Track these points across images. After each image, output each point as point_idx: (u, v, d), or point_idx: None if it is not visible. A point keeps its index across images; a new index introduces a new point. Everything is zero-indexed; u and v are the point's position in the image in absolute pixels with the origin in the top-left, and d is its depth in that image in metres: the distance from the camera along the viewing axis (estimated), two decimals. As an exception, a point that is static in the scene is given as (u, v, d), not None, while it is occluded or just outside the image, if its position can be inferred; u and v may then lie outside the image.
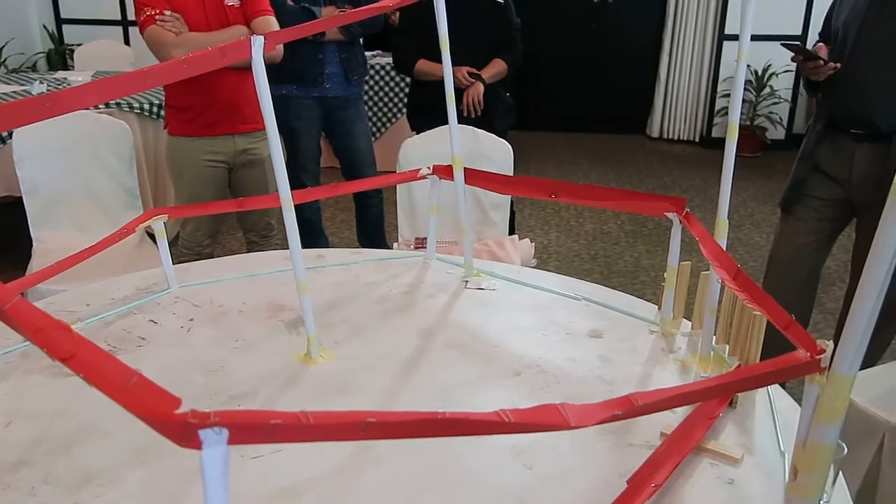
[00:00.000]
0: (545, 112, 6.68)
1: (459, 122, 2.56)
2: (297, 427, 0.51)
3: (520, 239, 2.38)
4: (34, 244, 2.47)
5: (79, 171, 2.53)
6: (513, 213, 3.08)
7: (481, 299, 1.48)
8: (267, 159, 2.49)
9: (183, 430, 0.47)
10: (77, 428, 1.05)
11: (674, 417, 1.07)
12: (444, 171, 1.59)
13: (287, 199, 1.19)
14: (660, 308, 1.38)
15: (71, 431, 1.04)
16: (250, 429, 0.49)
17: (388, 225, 3.31)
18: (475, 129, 2.41)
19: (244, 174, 2.45)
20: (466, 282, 1.54)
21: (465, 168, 1.53)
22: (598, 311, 1.43)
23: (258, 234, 2.57)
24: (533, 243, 2.38)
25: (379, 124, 4.91)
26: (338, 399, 1.13)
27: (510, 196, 2.41)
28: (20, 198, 2.48)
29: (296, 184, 3.03)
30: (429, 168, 1.61)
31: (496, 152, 2.36)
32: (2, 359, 1.23)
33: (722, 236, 1.11)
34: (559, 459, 1.00)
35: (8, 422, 1.06)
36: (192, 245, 2.37)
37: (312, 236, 3.09)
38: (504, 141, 2.38)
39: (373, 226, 3.19)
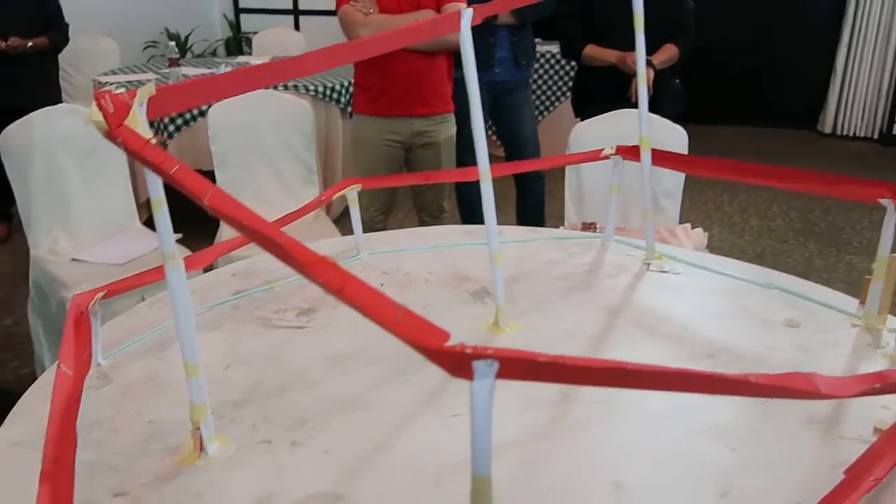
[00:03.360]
0: (705, 102, 6.41)
1: (626, 108, 2.52)
2: (561, 368, 0.52)
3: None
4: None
5: (263, 146, 2.70)
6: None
7: (665, 282, 1.45)
8: (442, 142, 2.55)
9: (458, 360, 0.50)
10: (288, 375, 1.13)
11: (887, 414, 1.01)
12: (628, 152, 1.57)
13: (486, 170, 1.22)
14: (862, 302, 1.30)
15: (283, 377, 1.12)
16: (519, 364, 0.51)
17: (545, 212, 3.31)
18: (651, 114, 2.35)
19: (420, 155, 2.53)
20: (648, 264, 1.52)
21: (652, 149, 1.50)
22: (791, 301, 1.37)
23: (430, 214, 2.64)
24: (706, 233, 2.30)
25: (537, 112, 4.92)
26: (528, 368, 1.14)
27: (682, 184, 2.34)
28: (207, 172, 2.67)
29: (459, 165, 3.09)
30: (612, 148, 1.60)
31: (670, 138, 2.30)
32: (216, 310, 1.33)
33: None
34: (763, 445, 0.97)
35: (227, 365, 1.15)
36: (364, 220, 2.47)
37: (474, 220, 3.14)
38: (679, 126, 2.31)
39: (533, 211, 3.20)
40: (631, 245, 1.63)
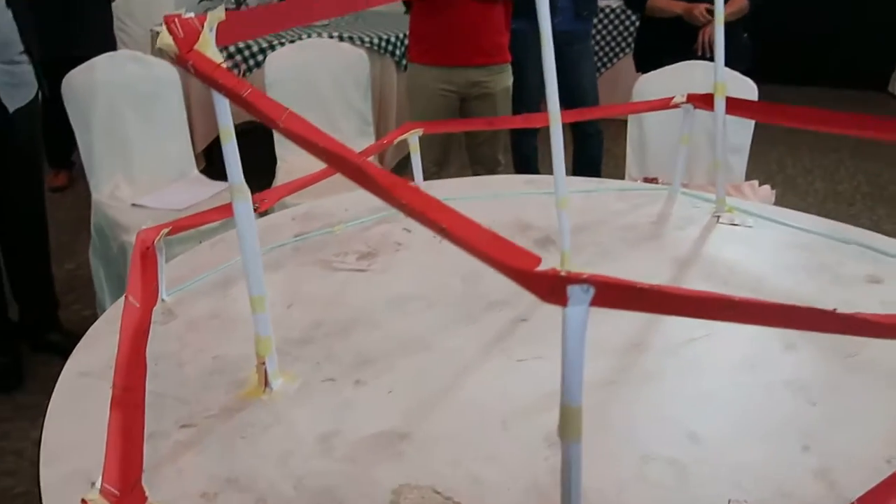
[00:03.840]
0: (772, 60, 6.16)
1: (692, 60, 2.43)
2: (661, 296, 0.49)
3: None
4: (278, 163, 2.65)
5: (319, 96, 2.67)
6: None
7: (736, 235, 1.40)
8: (499, 93, 2.50)
9: (553, 284, 0.47)
10: (350, 316, 1.11)
11: (981, 373, 0.96)
12: (700, 100, 1.51)
13: (555, 112, 1.17)
14: (949, 259, 1.23)
15: (345, 318, 1.11)
16: (617, 291, 0.48)
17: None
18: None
19: (475, 106, 2.48)
20: (718, 217, 1.46)
21: (728, 97, 1.43)
22: (872, 257, 1.30)
23: (486, 168, 2.59)
24: (774, 190, 2.22)
25: (598, 65, 4.79)
26: (596, 314, 1.10)
27: (750, 140, 2.25)
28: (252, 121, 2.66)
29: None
30: (682, 96, 1.53)
31: (740, 92, 2.21)
32: (276, 251, 1.32)
33: None
34: (846, 400, 0.93)
35: (289, 304, 1.15)
36: (418, 171, 2.44)
37: (530, 174, 3.09)
38: (749, 80, 2.22)
39: (590, 167, 3.12)
40: (698, 198, 1.57)
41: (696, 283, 1.20)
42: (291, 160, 2.63)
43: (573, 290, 0.47)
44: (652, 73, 2.33)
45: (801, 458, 0.83)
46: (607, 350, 1.03)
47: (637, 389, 0.96)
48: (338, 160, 0.62)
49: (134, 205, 2.32)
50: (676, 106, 1.53)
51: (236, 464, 0.82)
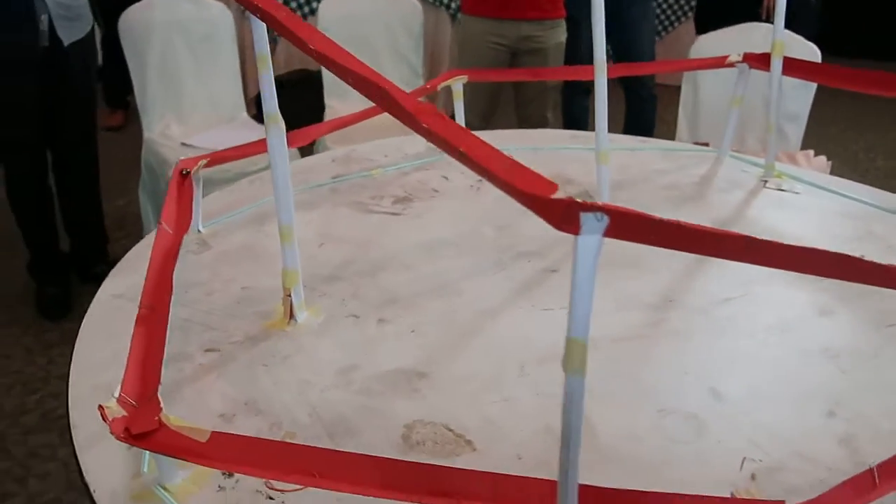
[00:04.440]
0: (842, 30, 5.85)
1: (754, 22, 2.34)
2: (676, 229, 0.47)
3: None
4: (325, 110, 2.66)
5: (371, 45, 2.66)
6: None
7: (783, 201, 1.35)
8: (550, 49, 2.44)
9: (565, 210, 0.46)
10: (381, 257, 1.11)
11: None
12: (757, 60, 1.45)
13: (601, 60, 1.15)
14: None
15: (375, 259, 1.11)
16: (630, 221, 0.46)
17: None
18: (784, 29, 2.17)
19: (526, 61, 2.43)
20: (766, 181, 1.41)
21: (784, 57, 1.38)
22: (925, 231, 1.25)
23: (533, 126, 2.55)
24: (830, 162, 2.14)
25: (659, 28, 4.65)
26: (626, 271, 1.09)
27: (808, 109, 2.16)
28: (314, 72, 2.66)
29: (567, 80, 2.97)
30: (738, 55, 1.48)
31: (802, 56, 2.12)
32: (314, 191, 1.33)
33: None
34: (879, 369, 0.90)
35: (321, 243, 1.15)
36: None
37: (578, 136, 3.03)
38: (812, 45, 2.12)
39: (643, 130, 3.05)
40: (747, 161, 1.52)
41: (735, 245, 1.17)
42: (339, 107, 2.63)
43: (586, 218, 0.45)
44: (710, 34, 2.25)
45: (825, 423, 0.81)
46: (640, 305, 1.01)
47: (664, 345, 0.94)
48: (365, 83, 0.61)
49: (183, 144, 2.35)
50: (731, 65, 1.48)
51: (255, 389, 0.84)
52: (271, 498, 0.70)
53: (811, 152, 2.11)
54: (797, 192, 1.38)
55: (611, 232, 0.46)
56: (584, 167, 1.43)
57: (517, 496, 0.59)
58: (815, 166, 2.05)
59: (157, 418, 0.64)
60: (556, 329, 0.97)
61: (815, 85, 2.11)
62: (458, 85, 1.48)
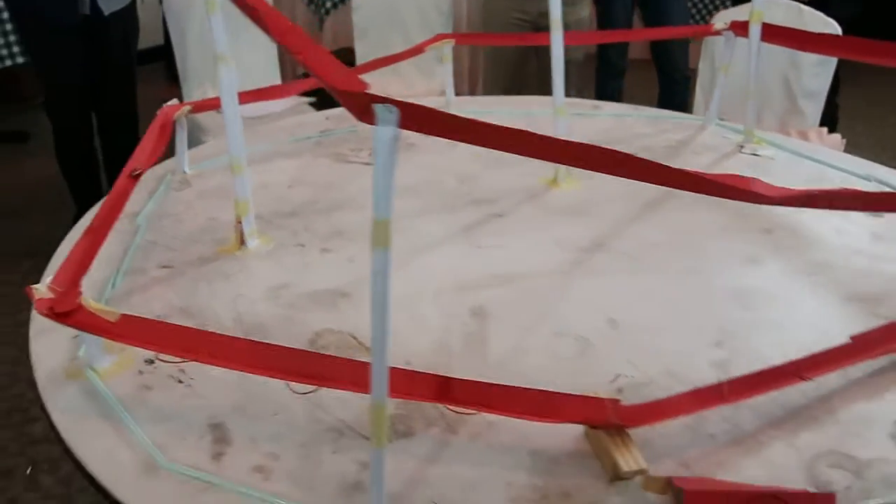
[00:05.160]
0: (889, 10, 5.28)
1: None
2: (464, 124, 0.54)
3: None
4: (358, 84, 2.75)
5: (402, 22, 2.73)
6: (835, 115, 2.73)
7: (754, 165, 1.37)
8: (571, 24, 2.46)
9: (360, 102, 0.53)
10: (341, 199, 1.20)
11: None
12: (742, 28, 1.46)
13: (556, 20, 1.19)
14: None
15: (336, 200, 1.19)
16: (419, 113, 0.53)
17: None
18: (802, 6, 2.15)
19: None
20: (742, 146, 1.43)
21: (763, 24, 1.39)
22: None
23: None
24: (844, 140, 2.11)
25: (697, 17, 4.56)
26: (570, 218, 1.14)
27: (827, 86, 2.13)
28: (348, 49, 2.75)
29: (601, 61, 2.98)
30: (725, 23, 1.50)
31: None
32: (301, 143, 1.42)
33: None
34: (786, 309, 0.93)
35: (290, 185, 1.24)
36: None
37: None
38: (834, 23, 2.09)
39: (675, 109, 3.02)
40: (733, 129, 1.54)
41: (688, 197, 1.20)
42: (370, 82, 2.73)
43: (379, 110, 0.52)
44: (731, 9, 2.23)
45: (707, 351, 0.85)
46: (572, 247, 1.07)
47: (579, 280, 0.99)
48: (246, 7, 0.69)
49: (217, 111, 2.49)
50: (717, 33, 1.50)
51: (193, 298, 0.93)
52: (181, 381, 0.79)
53: (824, 130, 2.09)
54: (772, 158, 1.39)
55: (405, 124, 0.53)
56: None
57: (352, 376, 0.66)
58: (828, 143, 2.03)
59: (77, 301, 0.74)
60: (483, 263, 1.04)
61: (834, 62, 2.08)
62: (447, 48, 1.54)
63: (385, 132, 0.53)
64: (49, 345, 0.84)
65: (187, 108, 1.23)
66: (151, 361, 0.81)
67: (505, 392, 0.69)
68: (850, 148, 3.46)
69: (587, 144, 0.58)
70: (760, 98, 2.25)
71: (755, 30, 1.39)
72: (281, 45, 0.63)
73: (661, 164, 0.61)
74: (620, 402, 0.69)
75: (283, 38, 0.63)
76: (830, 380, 0.80)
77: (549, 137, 0.55)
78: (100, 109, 2.32)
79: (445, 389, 0.68)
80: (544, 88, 2.65)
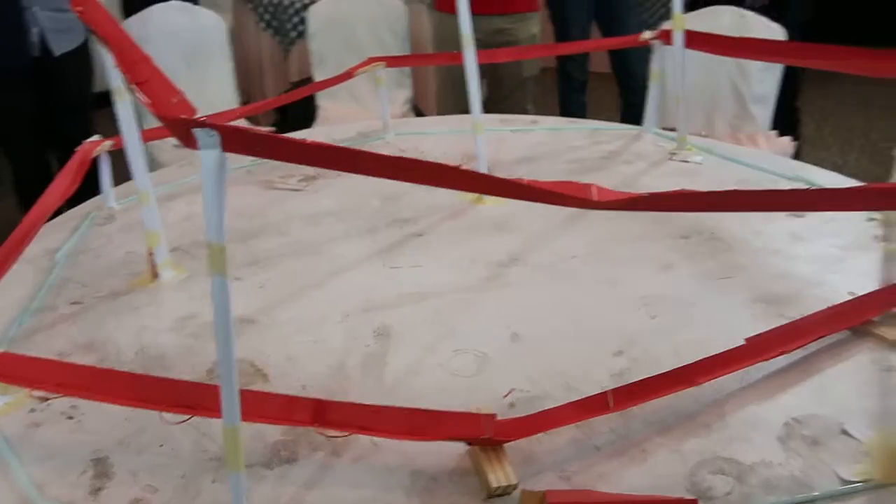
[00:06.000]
0: (839, 14, 4.93)
1: (745, 7, 2.32)
2: (280, 143, 0.54)
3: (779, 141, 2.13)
4: (318, 111, 2.77)
5: (358, 46, 2.75)
6: (796, 118, 2.73)
7: (683, 171, 1.37)
8: (522, 41, 2.48)
9: (181, 127, 0.53)
10: (261, 226, 1.20)
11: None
12: (667, 36, 1.47)
13: (468, 36, 1.20)
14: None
15: (255, 227, 1.19)
16: (238, 136, 0.53)
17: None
18: (744, 11, 2.17)
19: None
20: (673, 154, 1.44)
21: (686, 31, 1.40)
22: (814, 195, 1.25)
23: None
24: (796, 142, 2.11)
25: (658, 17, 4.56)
26: (489, 234, 1.14)
27: (776, 90, 2.14)
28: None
29: (561, 75, 3.00)
30: (652, 32, 1.51)
31: (767, 37, 2.10)
32: (233, 173, 1.42)
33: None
34: (691, 314, 0.93)
35: (216, 215, 1.24)
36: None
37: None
38: (777, 27, 2.10)
39: (637, 119, 3.03)
40: (668, 137, 1.54)
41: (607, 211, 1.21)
42: (331, 108, 2.74)
43: (199, 134, 0.52)
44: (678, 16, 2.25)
45: (607, 361, 0.84)
46: (487, 263, 1.06)
47: (489, 296, 0.99)
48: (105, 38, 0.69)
49: (175, 146, 2.50)
50: (646, 42, 1.51)
51: (98, 333, 0.93)
52: (71, 417, 0.78)
53: (774, 133, 2.10)
54: (700, 163, 1.39)
55: (227, 146, 0.53)
56: (499, 145, 1.49)
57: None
58: (777, 147, 2.03)
59: (-43, 343, 0.74)
60: (395, 283, 1.04)
61: (780, 67, 2.09)
62: (379, 71, 1.55)
63: (209, 156, 0.53)
64: (-55, 388, 0.83)
65: (108, 143, 1.24)
66: (45, 399, 0.81)
67: (380, 413, 0.69)
68: (817, 148, 3.47)
69: (390, 157, 0.57)
70: (711, 104, 2.27)
71: (678, 37, 1.40)
72: (124, 74, 0.63)
73: (487, 175, 0.60)
74: (496, 416, 0.69)
75: (129, 69, 0.63)
76: (727, 384, 0.79)
77: (359, 151, 0.55)
78: (56, 147, 2.33)
79: (320, 413, 0.68)
80: (502, 110, 2.66)
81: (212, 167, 0.53)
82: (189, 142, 0.53)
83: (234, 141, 0.53)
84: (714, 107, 2.21)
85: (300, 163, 0.57)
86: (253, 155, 0.55)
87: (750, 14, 2.15)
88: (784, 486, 0.68)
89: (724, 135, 2.15)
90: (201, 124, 0.52)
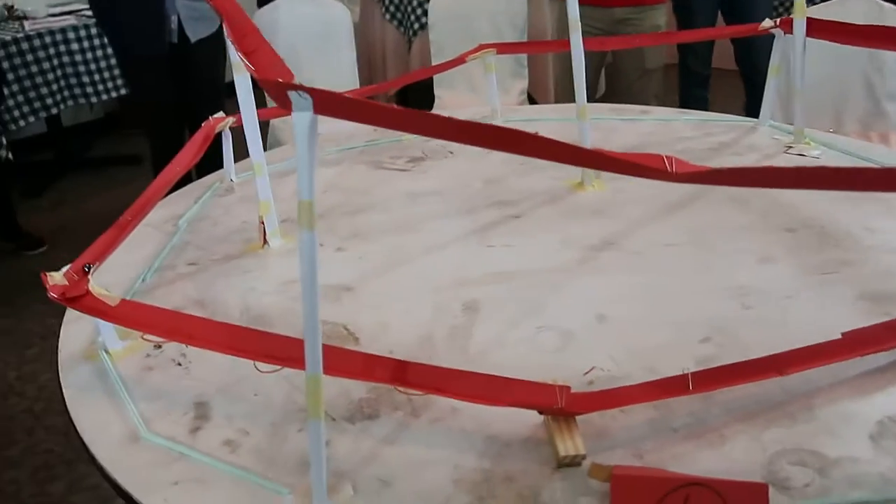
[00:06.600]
0: None
1: None
2: (375, 110, 0.57)
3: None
4: (435, 101, 2.82)
5: (477, 37, 2.78)
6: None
7: (793, 164, 1.32)
8: (648, 31, 2.43)
9: (277, 89, 0.57)
10: (368, 202, 1.25)
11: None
12: (789, 24, 1.41)
13: (575, 20, 1.20)
14: None
15: (362, 203, 1.24)
16: (333, 100, 0.56)
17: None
18: (882, 2, 2.04)
19: (621, 46, 2.43)
20: (789, 147, 1.38)
21: (808, 18, 1.34)
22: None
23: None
24: (933, 143, 1.97)
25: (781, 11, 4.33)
26: (584, 218, 1.14)
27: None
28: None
29: (682, 69, 2.92)
30: (774, 21, 1.45)
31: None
32: (344, 153, 1.49)
33: None
34: (787, 308, 0.90)
35: (325, 190, 1.30)
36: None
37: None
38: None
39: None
40: (784, 130, 1.48)
41: (715, 197, 1.18)
42: (447, 97, 2.79)
43: (293, 97, 0.56)
44: (812, 7, 2.14)
45: (693, 347, 0.83)
46: (580, 246, 1.07)
47: (579, 277, 0.99)
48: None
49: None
50: (765, 31, 1.46)
51: (210, 292, 1.00)
52: (179, 364, 0.85)
53: (908, 132, 1.96)
54: (816, 157, 1.33)
55: (319, 108, 0.57)
56: (608, 135, 1.48)
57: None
58: (911, 146, 1.90)
59: (86, 287, 0.82)
60: (488, 261, 1.06)
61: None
62: (489, 58, 1.57)
63: (302, 118, 0.57)
64: (76, 331, 0.92)
65: (231, 119, 1.32)
66: (159, 346, 0.88)
67: (456, 376, 0.71)
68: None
69: (462, 121, 0.58)
70: (841, 100, 2.15)
71: (799, 25, 1.34)
72: (235, 44, 0.68)
73: (555, 141, 0.61)
74: (570, 388, 0.70)
75: (239, 40, 0.68)
76: (818, 377, 0.77)
77: (437, 116, 0.57)
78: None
79: (400, 372, 0.71)
80: (609, 97, 2.62)
81: (305, 128, 0.57)
82: (285, 103, 0.57)
83: (325, 104, 0.56)
84: (844, 103, 2.09)
85: (386, 126, 0.59)
86: (343, 118, 0.58)
87: (888, 6, 2.02)
88: (870, 483, 0.65)
89: (853, 133, 2.03)
90: (296, 87, 0.56)
